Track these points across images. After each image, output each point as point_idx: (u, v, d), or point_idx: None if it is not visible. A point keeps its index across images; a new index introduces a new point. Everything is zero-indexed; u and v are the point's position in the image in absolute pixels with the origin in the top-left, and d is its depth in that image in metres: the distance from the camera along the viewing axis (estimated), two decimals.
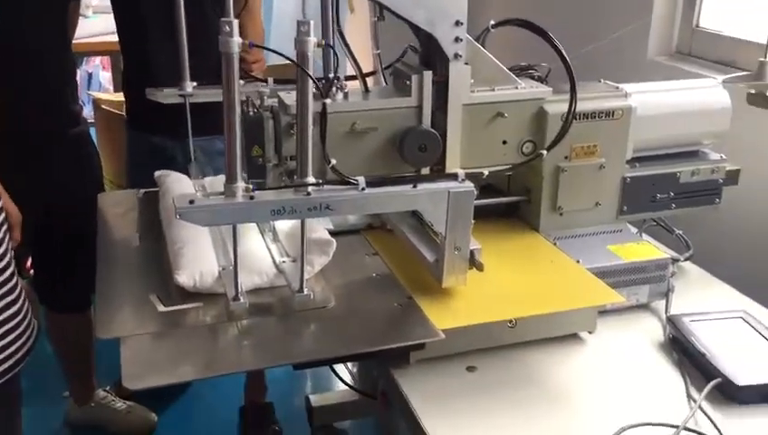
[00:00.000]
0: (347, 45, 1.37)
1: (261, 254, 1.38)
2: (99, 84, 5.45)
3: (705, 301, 1.48)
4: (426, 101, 1.36)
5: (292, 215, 1.15)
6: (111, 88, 4.81)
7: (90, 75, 5.44)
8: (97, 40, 3.70)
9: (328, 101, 1.18)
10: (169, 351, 1.16)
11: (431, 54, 1.39)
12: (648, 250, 1.48)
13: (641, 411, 1.17)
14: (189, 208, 1.11)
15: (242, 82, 1.62)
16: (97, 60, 5.35)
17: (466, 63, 1.36)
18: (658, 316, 1.45)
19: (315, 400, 2.20)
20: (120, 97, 3.25)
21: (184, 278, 1.28)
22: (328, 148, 1.32)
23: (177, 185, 1.61)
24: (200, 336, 1.20)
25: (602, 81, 1.58)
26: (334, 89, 1.37)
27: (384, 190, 1.20)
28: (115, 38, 2.36)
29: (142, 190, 1.76)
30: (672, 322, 1.37)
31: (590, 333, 1.37)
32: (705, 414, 1.16)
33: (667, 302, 1.45)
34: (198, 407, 2.58)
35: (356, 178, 1.19)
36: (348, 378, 2.25)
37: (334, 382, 2.72)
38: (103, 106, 3.19)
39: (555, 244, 1.49)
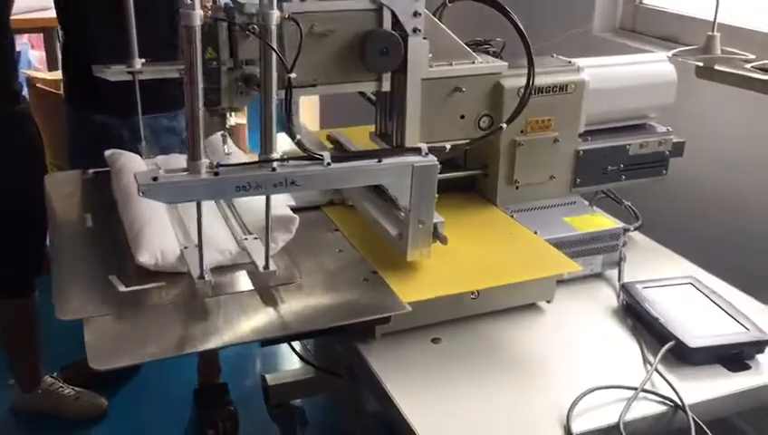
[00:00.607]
0: None
1: (221, 232, 1.36)
2: (28, 63, 5.24)
3: (654, 269, 1.53)
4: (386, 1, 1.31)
5: (258, 191, 1.14)
6: (41, 66, 4.64)
7: (18, 54, 5.22)
8: (28, 16, 3.55)
9: (293, 75, 1.16)
10: (134, 331, 1.14)
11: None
12: (601, 221, 1.52)
13: (601, 376, 1.21)
14: (153, 186, 1.09)
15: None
16: (25, 38, 5.14)
17: (425, 38, 1.37)
18: (612, 285, 1.50)
19: (271, 378, 2.19)
20: (56, 75, 3.14)
21: (145, 258, 1.25)
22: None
23: (132, 165, 1.57)
24: (165, 315, 1.18)
25: (554, 55, 1.60)
26: None
27: (349, 165, 1.20)
28: (47, 14, 2.26)
29: (91, 170, 1.71)
30: (626, 289, 1.41)
31: (548, 302, 1.40)
32: (661, 376, 1.21)
33: (619, 270, 1.50)
34: (150, 390, 2.54)
35: (321, 153, 1.18)
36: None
37: (286, 361, 2.72)
38: (38, 85, 3.07)
39: (512, 217, 1.52)
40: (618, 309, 1.42)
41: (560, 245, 1.43)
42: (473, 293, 1.31)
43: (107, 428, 2.41)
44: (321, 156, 1.18)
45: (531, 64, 1.40)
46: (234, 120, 1.32)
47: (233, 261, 1.30)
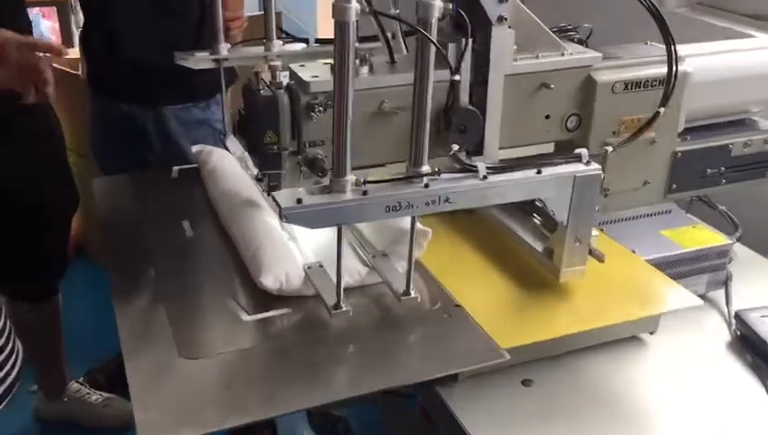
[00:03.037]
0: (372, 7, 1.15)
1: (345, 250, 1.18)
2: (40, 34, 5.05)
3: (761, 287, 1.35)
4: (465, 73, 1.17)
5: (409, 211, 0.99)
6: (54, 38, 4.43)
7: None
8: None
9: (457, 77, 1.07)
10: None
11: (465, 17, 1.18)
12: (705, 235, 1.33)
13: (720, 424, 1.05)
14: (296, 209, 0.94)
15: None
16: (36, 8, 4.94)
17: (510, 27, 1.17)
18: (718, 308, 1.31)
19: None
20: (73, 53, 2.95)
21: (269, 281, 1.11)
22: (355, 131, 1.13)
23: (224, 163, 1.46)
24: (305, 352, 1.05)
25: (649, 42, 1.40)
26: (358, 60, 1.17)
27: (507, 177, 1.04)
28: None
29: (176, 168, 1.57)
30: (740, 318, 1.23)
31: (651, 333, 1.22)
32: None
33: (726, 293, 1.32)
34: None
35: (475, 164, 1.03)
36: None
37: None
38: (54, 64, 2.88)
39: (602, 230, 1.33)
40: (731, 341, 1.23)
41: (661, 265, 1.25)
42: None
43: None
44: (476, 167, 1.02)
45: (670, 44, 1.17)
46: None
47: (361, 283, 1.15)
